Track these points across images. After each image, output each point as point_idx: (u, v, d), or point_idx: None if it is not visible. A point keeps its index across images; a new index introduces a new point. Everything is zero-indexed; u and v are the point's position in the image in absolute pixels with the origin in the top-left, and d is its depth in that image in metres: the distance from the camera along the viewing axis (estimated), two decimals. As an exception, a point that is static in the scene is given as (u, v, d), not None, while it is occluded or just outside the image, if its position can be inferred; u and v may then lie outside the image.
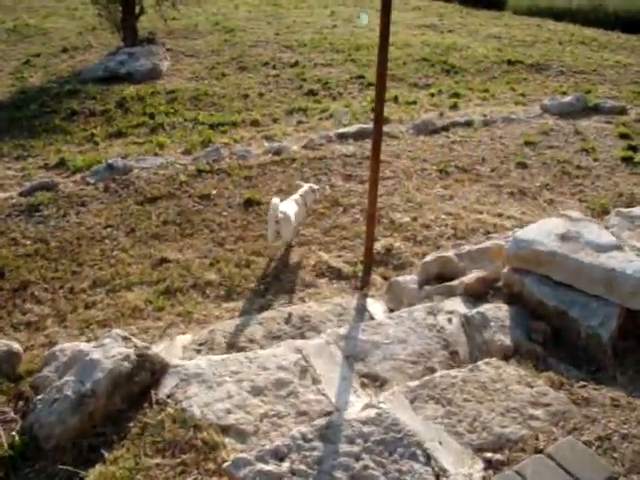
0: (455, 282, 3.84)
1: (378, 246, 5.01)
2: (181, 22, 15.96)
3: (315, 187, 5.37)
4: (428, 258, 4.16)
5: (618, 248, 3.55)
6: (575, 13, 17.19)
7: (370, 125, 7.56)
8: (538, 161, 6.76)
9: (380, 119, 4.06)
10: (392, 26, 12.03)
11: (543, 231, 3.69)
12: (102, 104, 9.60)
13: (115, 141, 8.28)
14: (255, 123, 8.74)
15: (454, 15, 17.58)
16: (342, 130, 7.69)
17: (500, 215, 5.47)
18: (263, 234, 5.30)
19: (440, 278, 4.04)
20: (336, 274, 4.70)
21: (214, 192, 6.23)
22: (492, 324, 3.30)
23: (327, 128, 8.25)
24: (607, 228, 5.13)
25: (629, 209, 5.31)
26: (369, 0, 20.00)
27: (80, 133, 8.64)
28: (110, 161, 6.93)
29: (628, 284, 3.19)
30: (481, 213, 5.52)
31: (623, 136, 7.74)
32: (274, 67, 11.57)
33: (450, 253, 4.11)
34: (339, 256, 4.94)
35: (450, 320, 3.44)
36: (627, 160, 6.82)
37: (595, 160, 6.84)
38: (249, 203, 5.93)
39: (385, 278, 4.61)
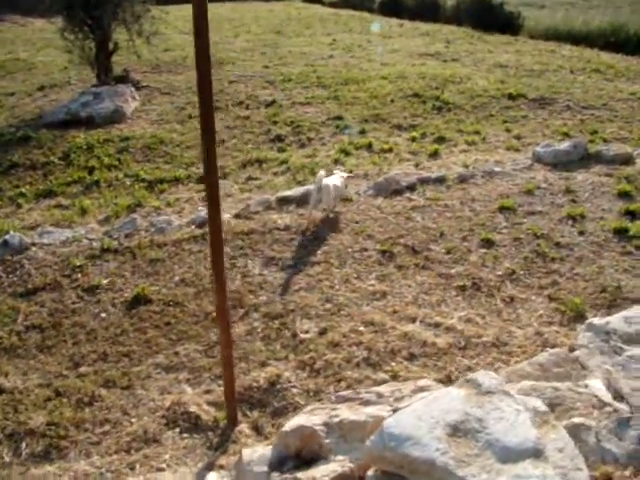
0: (309, 474, 2.61)
1: (261, 377, 3.81)
2: (173, 53, 15.14)
3: (344, 174, 6.30)
4: (287, 427, 2.94)
5: (535, 455, 2.27)
6: (594, 36, 15.71)
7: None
8: (509, 236, 5.47)
9: (215, 202, 2.88)
10: (393, 55, 10.89)
11: (427, 418, 2.44)
12: (47, 155, 8.67)
13: (41, 203, 7.31)
14: (201, 180, 7.64)
15: (463, 41, 16.32)
16: (285, 194, 6.52)
17: (437, 325, 4.22)
18: (133, 350, 4.18)
19: (300, 457, 2.82)
20: (193, 423, 3.50)
21: (105, 282, 5.15)
22: None
23: (275, 187, 7.12)
24: (572, 351, 3.84)
25: (606, 319, 4.01)
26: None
27: (10, 191, 7.70)
28: (7, 236, 5.90)
29: None
30: (413, 321, 4.28)
31: (623, 195, 6.39)
32: (247, 107, 10.53)
33: (317, 420, 2.89)
34: (208, 391, 3.76)
35: None
36: (620, 233, 5.48)
37: (581, 233, 5.52)
38: (137, 301, 4.80)
39: (257, 430, 3.40)
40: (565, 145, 7.73)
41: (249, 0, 27.89)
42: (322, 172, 5.77)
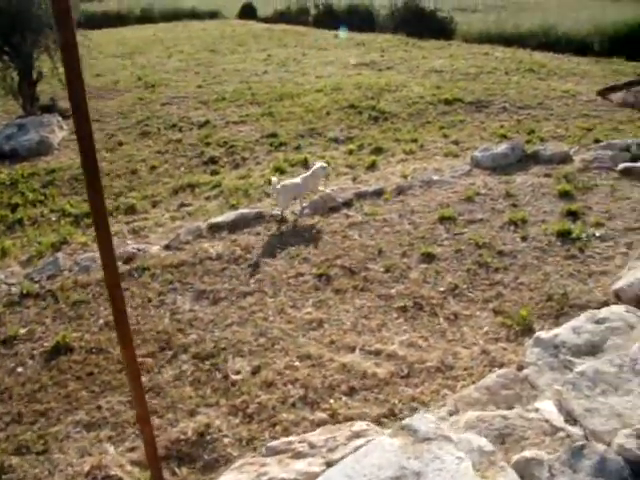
0: None
1: (190, 428, 3.43)
2: (103, 79, 14.62)
3: (325, 165, 6.51)
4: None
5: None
6: (526, 38, 15.87)
7: (255, 209, 6.09)
8: (451, 248, 5.23)
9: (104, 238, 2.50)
10: (327, 67, 10.67)
11: (359, 477, 2.11)
12: (-34, 195, 8.08)
13: (-43, 248, 6.73)
14: (130, 210, 7.24)
15: (398, 49, 16.28)
16: (216, 220, 6.17)
17: (378, 353, 3.93)
18: (51, 407, 3.76)
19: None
20: (113, 490, 3.11)
21: (23, 332, 4.71)
22: None
23: (208, 213, 6.75)
24: (520, 369, 3.59)
25: (553, 332, 3.80)
26: (313, 40, 18.72)
27: None
28: None
29: None
30: (352, 351, 3.98)
31: (563, 195, 6.25)
32: (180, 130, 10.14)
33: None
34: (133, 449, 3.37)
35: None
36: (564, 236, 5.31)
37: (524, 239, 5.32)
38: (57, 350, 4.37)
39: (184, 492, 3.02)
40: (502, 148, 7.59)
41: (182, 20, 27.44)
42: (274, 178, 6.12)
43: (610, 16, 16.04)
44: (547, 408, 3.17)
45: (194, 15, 27.97)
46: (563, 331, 3.86)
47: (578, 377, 3.22)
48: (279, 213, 6.23)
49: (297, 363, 3.94)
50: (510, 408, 3.35)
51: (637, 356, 3.41)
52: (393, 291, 4.66)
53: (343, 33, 18.98)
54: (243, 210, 6.38)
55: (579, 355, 3.72)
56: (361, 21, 20.69)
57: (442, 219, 5.83)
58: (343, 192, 6.69)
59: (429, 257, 5.12)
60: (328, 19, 22.44)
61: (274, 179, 6.06)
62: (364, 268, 5.07)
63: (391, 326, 4.25)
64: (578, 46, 15.11)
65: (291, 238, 5.78)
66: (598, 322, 3.92)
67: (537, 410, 3.16)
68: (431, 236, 5.52)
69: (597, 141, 8.45)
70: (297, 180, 6.20)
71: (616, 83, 11.17)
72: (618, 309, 4.09)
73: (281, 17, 25.15)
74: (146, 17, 27.81)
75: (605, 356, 3.66)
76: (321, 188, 6.62)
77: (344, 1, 23.42)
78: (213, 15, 28.30)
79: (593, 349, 3.75)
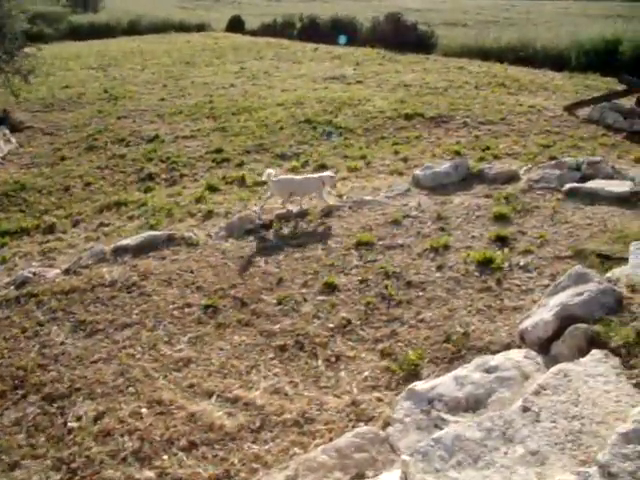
0: None
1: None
2: (70, 90, 14.28)
3: (332, 175, 6.44)
4: None
5: None
6: (505, 51, 15.49)
7: (167, 231, 5.66)
8: (356, 278, 4.77)
9: None
10: (296, 80, 10.27)
11: None
12: None
13: None
14: (49, 230, 6.84)
15: (373, 62, 15.91)
16: (122, 243, 5.73)
17: (236, 401, 3.47)
18: None
19: None
20: None
21: None
22: None
23: (124, 233, 6.31)
24: (387, 426, 3.11)
25: (431, 382, 3.32)
26: (292, 53, 18.38)
27: None
28: None
29: None
30: (210, 397, 3.52)
31: (498, 218, 5.78)
32: (127, 144, 9.75)
33: None
34: None
35: None
36: (484, 265, 4.83)
37: (439, 268, 4.86)
38: None
39: None
40: (445, 166, 7.14)
41: (170, 32, 27.21)
42: (270, 170, 6.11)
43: (590, 31, 15.66)
44: (392, 481, 2.69)
45: (182, 28, 27.70)
46: (443, 382, 3.39)
47: (433, 444, 2.73)
48: (258, 211, 6.20)
49: (144, 410, 3.48)
50: (360, 477, 2.88)
51: (513, 417, 2.93)
52: (277, 327, 4.20)
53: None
54: (154, 232, 5.95)
55: (457, 411, 3.25)
56: (343, 34, 20.36)
57: (359, 244, 5.38)
58: (265, 213, 6.22)
59: (330, 288, 4.66)
60: (312, 32, 22.14)
61: (269, 170, 6.07)
62: (257, 299, 4.61)
63: (262, 368, 3.78)
64: (555, 60, 14.75)
65: (194, 263, 5.32)
66: (488, 371, 3.45)
67: (380, 484, 2.68)
68: (341, 263, 5.07)
69: (553, 158, 8.03)
70: (296, 177, 6.35)
71: (583, 98, 10.73)
72: (516, 355, 3.62)
73: (267, 30, 24.90)
74: (134, 29, 27.57)
75: (483, 414, 3.18)
76: (331, 202, 6.42)
77: (330, 13, 23.11)
78: (200, 28, 28.04)
79: (475, 404, 3.28)
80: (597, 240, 5.19)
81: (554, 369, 3.27)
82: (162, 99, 12.75)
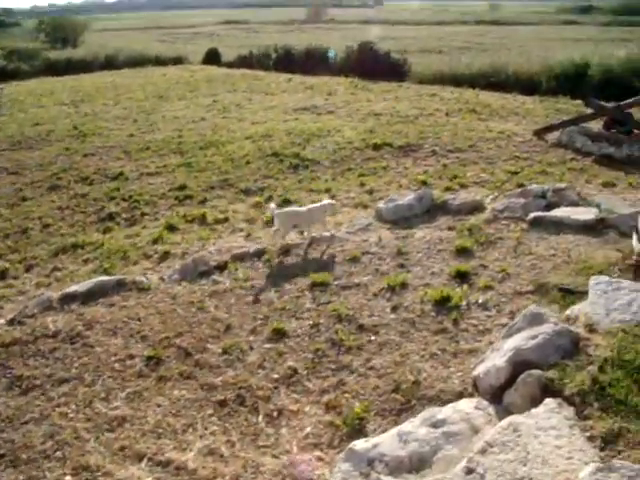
0: None
1: None
2: (41, 128, 14.10)
3: (333, 202, 6.62)
4: None
5: None
6: (477, 77, 15.53)
7: (117, 276, 5.43)
8: (307, 322, 4.58)
9: None
10: (267, 112, 10.11)
11: None
12: None
13: None
14: (1, 275, 6.55)
15: (345, 92, 15.89)
16: (70, 290, 5.49)
17: (167, 464, 3.26)
18: None
19: None
20: None
21: None
22: None
23: (77, 278, 6.09)
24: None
25: (373, 441, 3.11)
26: (265, 84, 18.35)
27: None
28: None
29: None
30: (140, 460, 3.30)
31: (460, 252, 5.62)
32: (91, 183, 9.55)
33: None
34: None
35: None
36: (441, 304, 4.64)
37: (394, 309, 4.67)
38: None
39: None
40: (409, 198, 7.00)
41: (147, 66, 27.19)
42: (272, 205, 6.21)
43: (560, 55, 15.76)
44: None
45: (158, 61, 27.71)
46: (386, 439, 3.17)
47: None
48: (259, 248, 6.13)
49: (69, 477, 3.23)
50: None
51: None
52: (219, 379, 3.97)
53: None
54: (104, 277, 5.71)
55: (399, 472, 3.02)
56: (317, 64, 20.40)
57: (314, 285, 5.18)
58: (220, 253, 6.03)
59: (279, 334, 4.45)
60: (287, 62, 22.19)
61: (272, 205, 6.16)
62: (202, 349, 4.39)
63: (199, 426, 3.54)
64: (526, 85, 14.80)
65: (143, 310, 5.11)
66: (435, 425, 3.23)
67: None
68: (294, 307, 4.86)
69: (520, 185, 7.93)
70: (301, 208, 6.34)
71: (552, 122, 10.69)
72: (466, 405, 3.41)
73: (244, 62, 24.95)
74: (111, 64, 27.54)
75: (427, 475, 2.96)
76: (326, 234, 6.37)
77: (305, 44, 23.21)
78: (178, 61, 28.06)
79: (419, 464, 3.06)
80: (560, 273, 5.02)
81: (504, 423, 3.06)
82: (131, 135, 12.58)
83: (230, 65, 25.34)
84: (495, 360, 3.60)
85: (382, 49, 18.71)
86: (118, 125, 14.03)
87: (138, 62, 27.22)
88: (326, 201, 6.50)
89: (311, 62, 20.48)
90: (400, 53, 21.25)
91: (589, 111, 10.26)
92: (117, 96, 18.46)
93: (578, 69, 14.73)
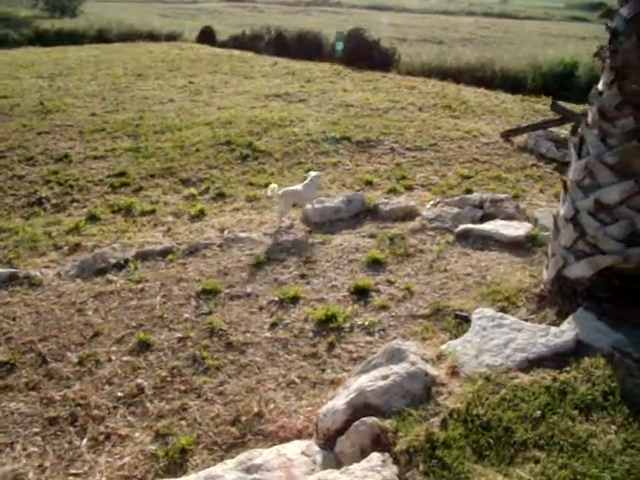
0: None
1: None
2: (6, 101, 13.75)
3: (319, 174, 6.65)
4: None
5: None
6: (464, 72, 15.05)
7: (9, 269, 5.15)
8: (177, 334, 4.32)
9: None
10: (238, 97, 9.71)
11: None
12: None
13: None
14: None
15: (325, 80, 15.45)
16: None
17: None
18: None
19: None
20: None
21: None
22: None
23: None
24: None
25: (207, 471, 2.77)
26: (249, 67, 17.92)
27: None
28: None
29: None
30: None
31: (372, 264, 5.29)
32: (33, 164, 9.22)
33: None
34: None
35: None
36: (324, 324, 4.36)
37: (273, 326, 4.39)
38: None
39: None
40: (337, 200, 6.67)
41: (138, 41, 26.65)
42: (274, 185, 6.24)
43: (552, 53, 15.26)
44: None
45: (151, 37, 27.20)
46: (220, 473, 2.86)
47: None
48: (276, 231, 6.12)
49: None
50: None
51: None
52: (60, 394, 3.70)
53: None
54: (13, 268, 5.42)
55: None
56: (309, 49, 19.94)
57: (203, 292, 4.88)
58: (124, 250, 5.72)
59: (143, 346, 4.16)
60: (279, 45, 21.71)
61: (273, 185, 6.17)
62: (61, 356, 4.12)
63: (19, 446, 3.25)
64: (513, 82, 14.31)
65: (23, 308, 4.84)
66: (249, 470, 2.94)
67: None
68: (171, 316, 4.56)
69: (468, 191, 7.58)
70: (298, 187, 6.30)
71: (520, 125, 10.28)
72: (293, 449, 3.11)
73: (236, 42, 24.42)
74: (102, 37, 27.05)
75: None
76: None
77: (306, 28, 22.71)
78: (170, 38, 27.55)
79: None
80: (466, 296, 4.70)
81: (312, 478, 2.75)
82: (93, 114, 12.23)
83: (224, 45, 24.83)
84: (338, 401, 3.28)
85: (372, 37, 18.16)
86: (85, 103, 13.65)
87: (130, 37, 26.69)
88: (312, 173, 6.51)
89: (303, 47, 19.96)
90: (398, 41, 20.75)
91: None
92: (96, 71, 18.04)
93: (567, 68, 14.22)
